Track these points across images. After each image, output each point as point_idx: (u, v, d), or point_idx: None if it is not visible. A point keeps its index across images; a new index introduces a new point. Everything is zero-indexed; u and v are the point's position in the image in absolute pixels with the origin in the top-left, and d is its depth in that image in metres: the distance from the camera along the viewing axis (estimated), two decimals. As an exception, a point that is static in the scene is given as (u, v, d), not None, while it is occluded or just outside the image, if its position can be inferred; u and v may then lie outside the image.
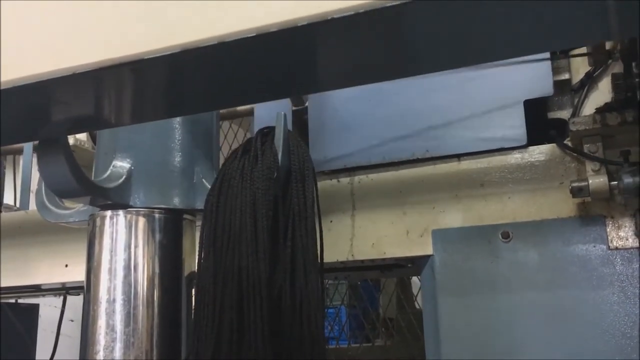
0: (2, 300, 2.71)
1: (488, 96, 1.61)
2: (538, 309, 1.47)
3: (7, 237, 2.10)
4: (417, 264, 1.70)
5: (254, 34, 0.76)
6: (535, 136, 1.58)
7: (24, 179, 2.31)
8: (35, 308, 2.72)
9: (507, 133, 1.58)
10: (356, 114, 1.74)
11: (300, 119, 1.83)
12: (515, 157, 1.57)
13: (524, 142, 1.56)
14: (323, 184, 1.74)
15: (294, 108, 1.81)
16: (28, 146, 2.29)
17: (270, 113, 1.77)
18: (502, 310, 1.50)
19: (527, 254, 1.50)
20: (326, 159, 1.74)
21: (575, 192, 1.42)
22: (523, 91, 1.58)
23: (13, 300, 2.85)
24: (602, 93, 1.57)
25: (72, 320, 2.30)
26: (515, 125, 1.57)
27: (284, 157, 1.28)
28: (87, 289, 1.28)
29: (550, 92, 1.57)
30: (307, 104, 1.80)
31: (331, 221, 1.71)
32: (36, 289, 2.34)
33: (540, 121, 1.63)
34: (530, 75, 1.58)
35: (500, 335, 1.48)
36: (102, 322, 1.24)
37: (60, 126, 1.04)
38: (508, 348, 1.46)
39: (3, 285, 2.14)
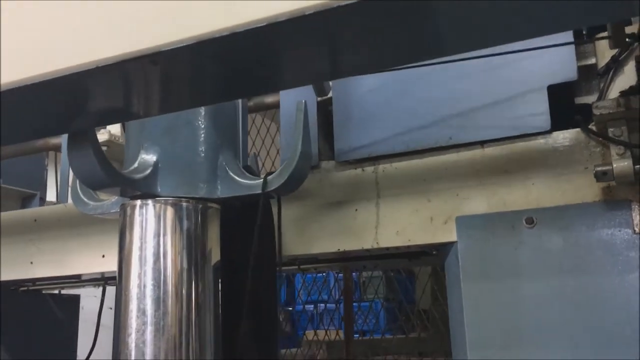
0: (46, 292, 2.82)
1: (511, 82, 1.61)
2: (563, 294, 1.46)
3: (48, 229, 2.19)
4: (442, 251, 1.71)
5: (265, 24, 0.79)
6: (561, 122, 1.57)
7: (62, 173, 2.39)
8: (76, 298, 2.82)
9: (531, 119, 1.57)
10: (380, 103, 1.75)
11: (325, 109, 1.85)
12: (539, 143, 1.56)
13: (548, 128, 1.55)
14: (348, 173, 1.76)
15: (319, 99, 1.84)
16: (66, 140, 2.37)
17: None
18: (526, 296, 1.50)
19: (552, 239, 1.50)
20: (351, 148, 1.76)
21: (599, 176, 1.42)
22: (547, 76, 1.57)
23: (57, 291, 2.96)
24: (628, 77, 1.55)
25: (110, 308, 2.37)
26: (538, 111, 1.57)
27: (304, 145, 1.31)
28: (119, 276, 1.34)
29: (574, 77, 1.56)
30: (330, 95, 1.82)
31: (356, 210, 1.73)
32: (77, 280, 2.43)
33: (566, 106, 1.62)
34: (554, 60, 1.57)
35: (525, 321, 1.49)
36: (133, 307, 1.30)
37: (87, 119, 1.09)
38: (533, 334, 1.46)
39: (45, 275, 2.24)
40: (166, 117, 1.35)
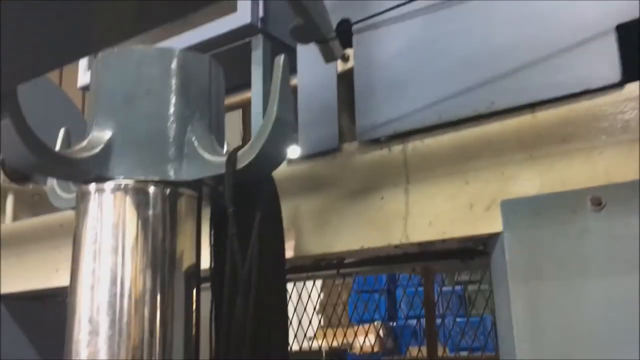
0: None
1: (566, 26, 1.26)
2: (644, 296, 1.09)
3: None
4: (488, 245, 1.38)
5: None
6: (633, 73, 1.20)
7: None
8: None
9: (595, 69, 1.22)
10: (408, 68, 1.45)
11: (347, 83, 1.57)
12: (606, 100, 1.20)
13: (618, 79, 1.19)
14: (372, 155, 1.47)
15: (339, 71, 1.56)
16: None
17: (315, 79, 1.58)
18: (595, 300, 1.14)
19: (627, 224, 1.13)
20: (375, 125, 1.47)
21: (689, 137, 1.05)
22: (613, 13, 1.21)
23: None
24: None
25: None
26: (605, 59, 1.21)
27: (280, 109, 1.04)
28: (72, 274, 1.13)
29: (650, 11, 1.18)
30: (352, 64, 1.54)
31: (382, 197, 1.44)
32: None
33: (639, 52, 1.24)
34: (622, -7, 1.21)
35: (594, 332, 1.12)
36: (84, 316, 1.08)
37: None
38: (602, 346, 1.10)
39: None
40: (123, 86, 1.13)
